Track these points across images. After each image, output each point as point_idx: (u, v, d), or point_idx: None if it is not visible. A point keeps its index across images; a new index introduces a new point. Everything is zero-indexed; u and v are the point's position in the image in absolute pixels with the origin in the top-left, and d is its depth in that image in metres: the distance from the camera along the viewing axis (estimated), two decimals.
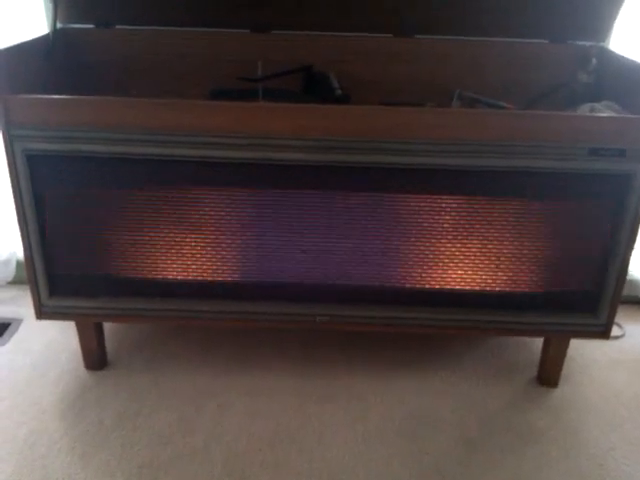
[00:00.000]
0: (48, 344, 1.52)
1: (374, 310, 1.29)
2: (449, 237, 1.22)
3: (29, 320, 1.58)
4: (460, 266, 1.25)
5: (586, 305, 1.27)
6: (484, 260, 1.24)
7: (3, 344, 1.52)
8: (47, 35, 1.39)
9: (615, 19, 1.45)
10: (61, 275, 1.26)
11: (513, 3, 1.42)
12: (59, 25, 1.44)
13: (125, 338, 1.55)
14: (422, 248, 1.23)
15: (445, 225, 1.21)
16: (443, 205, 1.20)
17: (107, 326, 1.46)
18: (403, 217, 1.21)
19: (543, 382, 1.44)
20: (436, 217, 1.21)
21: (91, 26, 1.48)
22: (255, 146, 1.14)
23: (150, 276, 1.26)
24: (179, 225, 1.22)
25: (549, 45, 1.50)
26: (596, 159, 1.14)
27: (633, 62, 1.32)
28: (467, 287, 1.26)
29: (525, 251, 1.23)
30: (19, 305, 1.66)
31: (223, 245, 1.24)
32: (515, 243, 1.22)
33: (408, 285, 1.27)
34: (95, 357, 1.42)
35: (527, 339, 1.59)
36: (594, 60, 1.48)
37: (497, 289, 1.27)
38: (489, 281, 1.26)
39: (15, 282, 1.73)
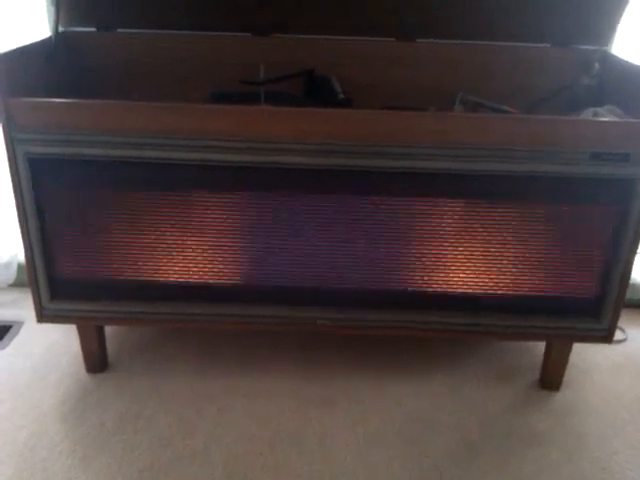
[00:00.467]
0: (49, 347, 1.52)
1: (375, 314, 1.29)
2: (450, 241, 1.22)
3: (30, 323, 1.58)
4: (462, 270, 1.24)
5: (589, 309, 1.27)
6: (486, 264, 1.24)
7: (4, 347, 1.52)
8: (49, 38, 1.39)
9: (618, 23, 1.45)
10: (62, 278, 1.26)
11: (515, 7, 1.42)
12: (61, 28, 1.44)
13: (126, 341, 1.55)
14: (423, 252, 1.23)
15: (447, 229, 1.21)
16: (445, 209, 1.19)
17: (108, 329, 1.46)
18: (404, 221, 1.20)
19: (545, 385, 1.43)
20: (437, 221, 1.20)
21: (92, 29, 1.48)
22: (256, 150, 1.14)
23: (151, 279, 1.26)
24: (180, 228, 1.22)
25: (552, 49, 1.49)
26: (599, 163, 1.14)
27: (636, 66, 1.32)
28: (469, 291, 1.26)
29: (527, 255, 1.22)
30: (20, 308, 1.66)
31: (224, 248, 1.24)
32: (517, 247, 1.22)
33: (409, 289, 1.26)
34: (96, 359, 1.42)
35: (530, 343, 1.58)
36: (597, 64, 1.47)
37: (499, 293, 1.26)
38: (491, 285, 1.26)
39: (16, 285, 1.73)
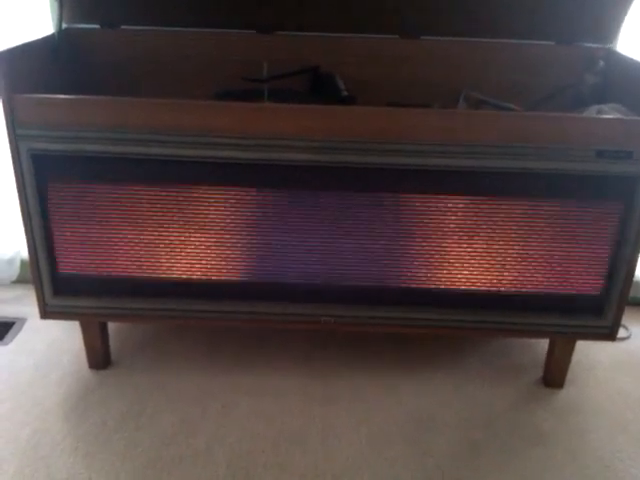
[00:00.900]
0: (51, 344, 1.52)
1: (379, 311, 1.29)
2: (455, 237, 1.22)
3: (33, 319, 1.58)
4: (466, 267, 1.24)
5: (592, 307, 1.27)
6: (490, 261, 1.23)
7: (6, 344, 1.52)
8: (52, 35, 1.39)
9: (622, 21, 1.44)
10: (65, 274, 1.26)
11: (520, 4, 1.42)
12: (64, 25, 1.44)
13: (129, 338, 1.55)
14: (427, 249, 1.23)
15: (451, 226, 1.21)
16: (449, 205, 1.19)
17: (111, 325, 1.46)
18: (408, 218, 1.20)
19: (548, 383, 1.43)
20: (442, 218, 1.20)
21: (96, 26, 1.48)
22: (260, 147, 1.14)
23: (154, 276, 1.26)
24: (184, 225, 1.22)
25: (556, 47, 1.49)
26: (603, 161, 1.13)
27: None
28: (473, 288, 1.26)
29: (532, 252, 1.22)
30: (23, 304, 1.66)
31: (227, 245, 1.23)
32: (522, 244, 1.22)
33: (414, 286, 1.26)
34: (99, 356, 1.42)
35: (533, 340, 1.58)
36: (601, 62, 1.47)
37: (503, 290, 1.26)
38: (495, 282, 1.25)
39: (19, 281, 1.73)
